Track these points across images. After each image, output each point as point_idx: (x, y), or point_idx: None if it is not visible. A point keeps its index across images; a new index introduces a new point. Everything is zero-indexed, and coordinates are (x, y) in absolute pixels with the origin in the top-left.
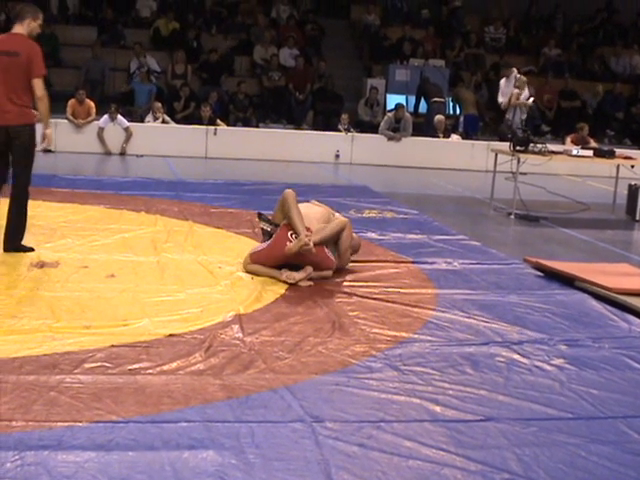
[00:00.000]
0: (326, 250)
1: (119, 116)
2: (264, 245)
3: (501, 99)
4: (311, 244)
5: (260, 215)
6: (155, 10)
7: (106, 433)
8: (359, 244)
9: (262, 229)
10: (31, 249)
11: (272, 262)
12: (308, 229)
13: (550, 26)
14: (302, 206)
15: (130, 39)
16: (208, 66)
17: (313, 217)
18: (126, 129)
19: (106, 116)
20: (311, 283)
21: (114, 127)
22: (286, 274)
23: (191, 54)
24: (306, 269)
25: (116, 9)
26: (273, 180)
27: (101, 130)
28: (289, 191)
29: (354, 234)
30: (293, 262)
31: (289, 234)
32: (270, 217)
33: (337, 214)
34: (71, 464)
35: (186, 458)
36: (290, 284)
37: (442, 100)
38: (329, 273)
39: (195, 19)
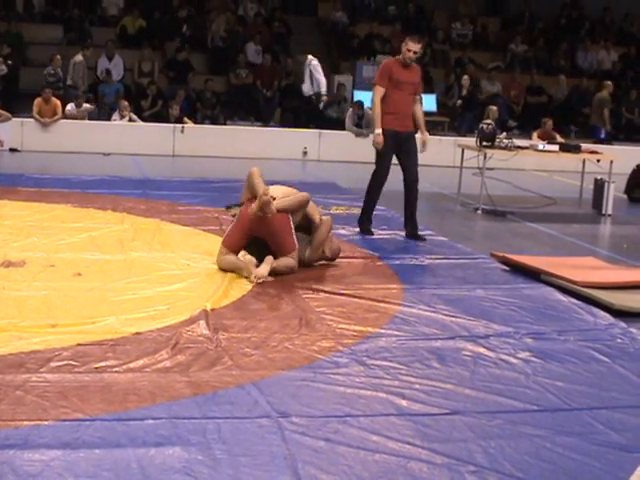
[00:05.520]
0: (292, 231)
1: (85, 104)
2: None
3: (305, 87)
4: (270, 198)
5: (228, 206)
6: (122, 8)
7: (72, 431)
8: (338, 250)
9: (233, 216)
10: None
11: (240, 236)
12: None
13: (517, 22)
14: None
15: (97, 37)
16: (175, 64)
17: (278, 190)
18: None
19: (72, 104)
20: (271, 279)
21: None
22: (254, 274)
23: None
24: (267, 260)
25: (82, 7)
26: (241, 177)
27: (70, 115)
28: (255, 168)
29: (335, 239)
30: (258, 234)
31: (252, 205)
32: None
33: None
34: (37, 463)
35: (153, 455)
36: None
37: None
38: (292, 262)
39: (162, 16)
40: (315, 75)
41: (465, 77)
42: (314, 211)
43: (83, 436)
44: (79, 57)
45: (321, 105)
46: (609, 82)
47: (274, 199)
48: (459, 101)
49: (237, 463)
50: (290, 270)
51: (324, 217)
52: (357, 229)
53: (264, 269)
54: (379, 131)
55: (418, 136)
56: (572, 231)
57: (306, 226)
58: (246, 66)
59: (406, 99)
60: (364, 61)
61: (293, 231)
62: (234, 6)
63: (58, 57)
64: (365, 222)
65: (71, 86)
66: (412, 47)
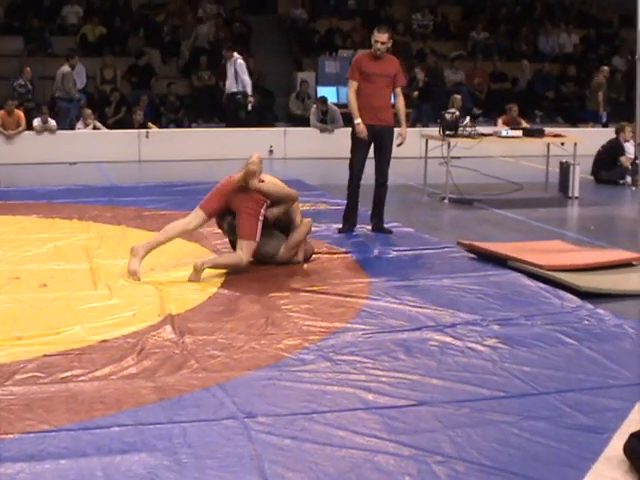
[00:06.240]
0: (259, 218)
1: (50, 119)
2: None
3: (228, 84)
4: (256, 169)
5: None
6: (81, 16)
7: (38, 443)
8: (310, 254)
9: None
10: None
11: (216, 200)
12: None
13: (478, 10)
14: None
15: (57, 46)
16: (137, 69)
17: (269, 180)
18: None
19: (39, 118)
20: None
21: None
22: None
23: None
24: (195, 267)
25: (42, 17)
26: (206, 180)
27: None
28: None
29: (310, 242)
30: (231, 204)
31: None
32: None
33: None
34: (3, 476)
35: (118, 462)
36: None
37: None
38: (235, 258)
39: (122, 23)
40: (240, 75)
41: (417, 70)
42: (296, 211)
43: (48, 447)
44: (66, 68)
45: (249, 106)
46: (605, 67)
47: (262, 182)
48: (415, 93)
49: (203, 466)
50: (235, 266)
51: (305, 219)
52: (323, 225)
53: (193, 276)
54: (358, 120)
55: (398, 129)
56: (539, 215)
57: (286, 225)
58: (208, 68)
59: (379, 92)
60: (326, 57)
61: (261, 218)
62: (188, 7)
63: (28, 69)
64: (345, 225)
65: (63, 98)
66: (378, 37)
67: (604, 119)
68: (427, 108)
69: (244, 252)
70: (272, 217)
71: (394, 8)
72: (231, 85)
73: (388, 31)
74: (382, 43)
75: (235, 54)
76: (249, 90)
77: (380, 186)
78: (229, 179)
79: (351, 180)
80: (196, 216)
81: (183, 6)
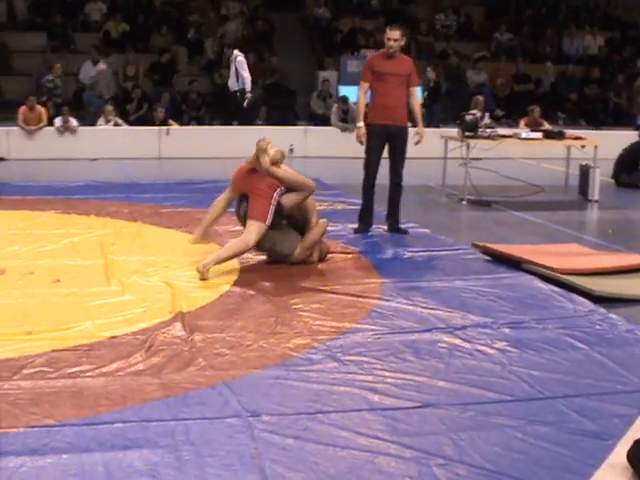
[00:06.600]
0: (272, 202)
1: (71, 118)
2: None
3: (230, 82)
4: (265, 145)
5: None
6: (104, 13)
7: (41, 437)
8: (326, 254)
9: None
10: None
11: (238, 177)
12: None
13: (501, 11)
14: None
15: (80, 43)
16: (159, 67)
17: (283, 167)
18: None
19: (60, 118)
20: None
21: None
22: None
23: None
24: (199, 270)
25: (65, 14)
26: (225, 178)
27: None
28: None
29: (325, 242)
30: (246, 185)
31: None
32: None
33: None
34: (5, 470)
35: (120, 458)
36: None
37: None
38: (241, 245)
39: (145, 20)
40: (240, 72)
41: (428, 69)
42: (313, 211)
43: (52, 442)
44: (101, 66)
45: (245, 103)
46: None
47: (278, 166)
48: (425, 93)
49: (204, 464)
50: (241, 253)
51: (320, 220)
52: (339, 225)
53: (203, 275)
54: (360, 124)
55: (412, 129)
56: (557, 218)
57: (301, 225)
58: (229, 66)
59: (392, 92)
60: (348, 56)
61: (273, 202)
62: (211, 5)
63: (58, 65)
64: (360, 225)
65: (96, 95)
66: (390, 35)
67: (638, 121)
68: (437, 108)
69: (252, 233)
70: (287, 206)
71: (417, 8)
72: (232, 84)
73: (400, 29)
74: (394, 40)
75: (235, 51)
76: (248, 87)
77: (395, 186)
78: (243, 166)
79: (366, 180)
80: (227, 192)
81: (205, 4)
